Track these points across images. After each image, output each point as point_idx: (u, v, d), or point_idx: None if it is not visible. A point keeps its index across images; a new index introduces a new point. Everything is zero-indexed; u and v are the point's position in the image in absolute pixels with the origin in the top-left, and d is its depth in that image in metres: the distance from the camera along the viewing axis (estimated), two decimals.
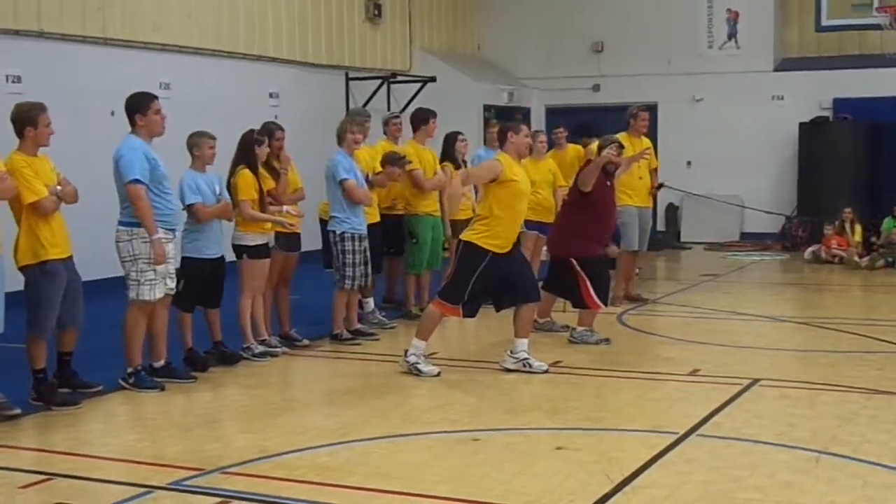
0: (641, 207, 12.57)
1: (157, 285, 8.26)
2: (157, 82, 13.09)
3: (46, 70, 12.47)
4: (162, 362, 8.59)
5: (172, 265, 8.48)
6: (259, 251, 9.38)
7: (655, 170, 12.99)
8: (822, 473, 6.09)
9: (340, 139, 10.21)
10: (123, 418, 7.82)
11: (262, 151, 9.45)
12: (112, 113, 12.23)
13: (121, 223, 8.21)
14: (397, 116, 12.17)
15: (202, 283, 9.02)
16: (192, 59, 14.76)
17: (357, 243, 10.07)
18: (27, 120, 7.67)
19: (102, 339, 8.93)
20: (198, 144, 8.96)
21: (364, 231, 10.18)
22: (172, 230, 8.41)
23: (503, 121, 12.64)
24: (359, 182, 10.08)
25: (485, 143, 13.31)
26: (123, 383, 8.31)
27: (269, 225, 9.42)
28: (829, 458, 6.35)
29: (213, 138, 9.01)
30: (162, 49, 14.27)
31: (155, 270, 8.19)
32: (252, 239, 9.33)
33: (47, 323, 7.73)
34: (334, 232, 10.08)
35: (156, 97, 8.40)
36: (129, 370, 8.32)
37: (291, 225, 9.63)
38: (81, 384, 8.14)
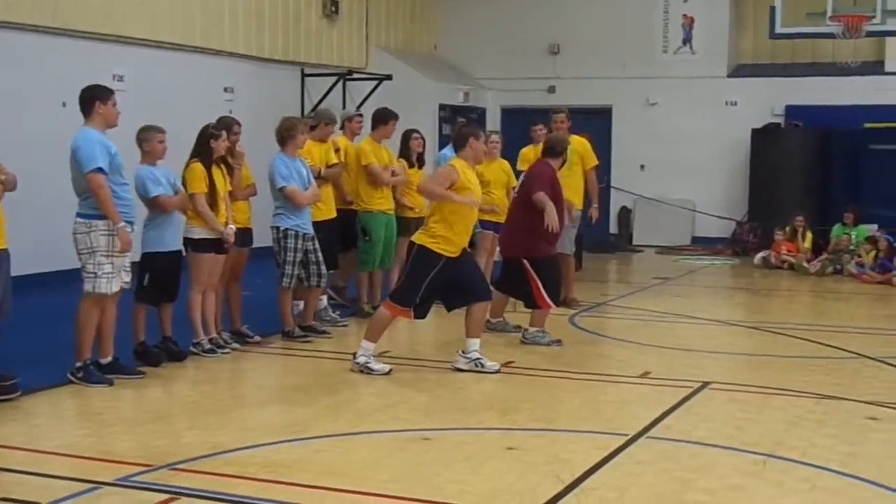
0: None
1: (115, 279, 8.17)
2: (111, 74, 12.93)
3: None
4: (109, 359, 8.45)
5: (128, 259, 8.37)
6: (204, 245, 9.21)
7: (594, 168, 12.54)
8: (770, 477, 6.14)
9: (284, 140, 10.00)
10: (71, 413, 7.74)
11: (220, 145, 9.29)
12: (64, 104, 12.10)
13: (79, 215, 8.11)
14: (360, 115, 12.12)
15: (165, 276, 8.94)
16: (146, 52, 14.58)
17: (300, 241, 10.01)
18: None
19: (46, 334, 8.82)
20: (147, 139, 8.83)
21: (309, 230, 10.09)
22: (131, 222, 8.28)
23: (461, 125, 12.54)
24: (301, 185, 9.96)
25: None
26: (72, 378, 8.20)
27: (222, 220, 9.30)
28: (776, 462, 6.40)
29: (163, 132, 8.88)
30: (115, 40, 14.10)
31: (112, 263, 8.10)
32: (198, 232, 9.19)
33: None
34: (277, 228, 10.01)
35: (114, 92, 8.33)
36: (78, 364, 8.22)
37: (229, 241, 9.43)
38: None
